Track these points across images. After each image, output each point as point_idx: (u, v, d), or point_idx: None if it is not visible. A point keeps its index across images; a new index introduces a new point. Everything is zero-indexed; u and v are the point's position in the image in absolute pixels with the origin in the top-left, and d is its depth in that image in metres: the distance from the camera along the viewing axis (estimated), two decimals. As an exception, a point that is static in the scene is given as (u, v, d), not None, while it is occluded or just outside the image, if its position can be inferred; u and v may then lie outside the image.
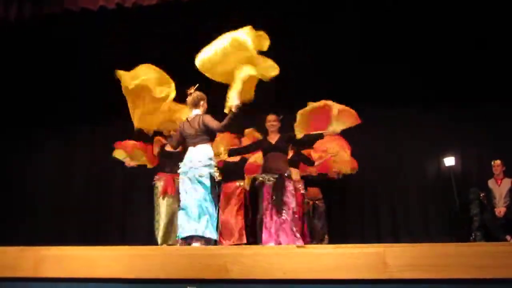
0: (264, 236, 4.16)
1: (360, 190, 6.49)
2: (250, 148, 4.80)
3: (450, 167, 6.18)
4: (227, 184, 5.35)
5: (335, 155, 5.21)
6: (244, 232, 5.19)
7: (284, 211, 4.13)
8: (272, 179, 4.26)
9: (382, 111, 6.20)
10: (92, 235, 6.52)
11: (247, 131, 5.50)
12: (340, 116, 4.32)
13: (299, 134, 4.40)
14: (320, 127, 4.37)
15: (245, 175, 5.44)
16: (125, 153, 5.23)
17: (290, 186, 4.26)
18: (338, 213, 6.27)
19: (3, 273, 3.33)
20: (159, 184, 5.02)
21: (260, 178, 4.39)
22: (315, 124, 4.39)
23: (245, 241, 5.13)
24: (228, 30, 5.74)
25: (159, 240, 4.81)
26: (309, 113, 4.43)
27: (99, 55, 6.23)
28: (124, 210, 6.90)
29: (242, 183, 5.38)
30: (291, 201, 4.20)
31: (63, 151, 7.29)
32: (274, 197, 4.18)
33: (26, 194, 7.14)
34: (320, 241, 5.72)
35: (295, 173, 5.53)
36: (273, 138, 4.45)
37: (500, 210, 5.44)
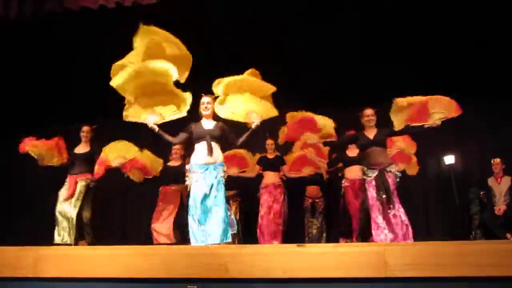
0: (374, 232, 4.10)
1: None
2: (346, 142, 4.76)
3: (450, 165, 6.18)
4: (167, 187, 5.41)
5: (401, 151, 5.15)
6: (172, 232, 5.24)
7: (390, 206, 4.08)
8: (375, 174, 4.21)
9: (382, 110, 6.18)
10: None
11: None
12: (440, 107, 4.19)
13: (399, 126, 4.27)
14: (419, 120, 4.22)
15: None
16: (34, 152, 5.01)
17: (391, 180, 4.19)
18: (337, 212, 6.25)
19: (3, 273, 3.33)
20: (64, 186, 4.96)
21: (364, 174, 4.35)
22: (414, 116, 4.24)
23: (174, 240, 5.18)
24: (228, 30, 5.79)
25: (58, 240, 4.68)
26: (407, 106, 4.28)
27: (99, 55, 6.23)
28: (125, 210, 6.90)
29: (180, 187, 5.35)
30: (395, 196, 4.15)
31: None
32: (380, 192, 4.12)
33: (26, 194, 7.14)
34: (318, 239, 5.73)
35: (274, 175, 5.61)
36: (371, 133, 4.38)
37: (500, 208, 5.44)
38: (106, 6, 4.98)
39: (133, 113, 4.05)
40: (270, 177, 5.62)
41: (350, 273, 2.81)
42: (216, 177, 3.85)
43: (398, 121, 4.27)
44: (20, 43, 6.15)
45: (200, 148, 3.94)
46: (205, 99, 4.08)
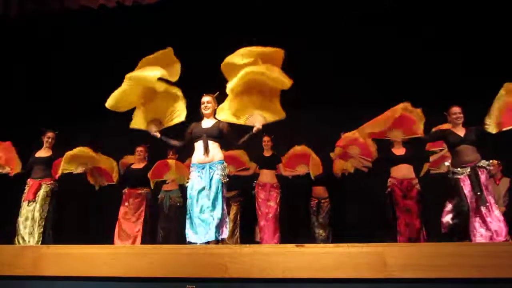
0: (472, 233, 4.09)
1: (364, 189, 6.42)
2: (433, 138, 4.71)
3: (449, 166, 6.17)
4: (131, 190, 5.42)
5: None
6: (140, 235, 5.27)
7: (485, 204, 4.07)
8: (467, 172, 4.21)
9: (383, 111, 6.19)
10: (91, 234, 6.52)
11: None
12: None
13: (492, 129, 4.19)
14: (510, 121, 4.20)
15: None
16: None
17: (483, 178, 4.17)
18: (344, 212, 6.24)
19: (3, 271, 3.33)
20: (26, 189, 5.00)
21: (454, 173, 4.33)
22: (508, 118, 4.18)
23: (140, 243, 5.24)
24: (228, 29, 5.79)
25: (21, 242, 4.75)
26: (503, 107, 4.19)
27: (98, 54, 6.23)
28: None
29: (143, 191, 5.41)
30: (488, 193, 4.14)
31: (63, 150, 7.27)
32: (474, 190, 4.12)
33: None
34: (325, 240, 5.74)
35: (271, 174, 5.57)
36: (460, 131, 4.36)
37: (499, 209, 5.45)
38: (106, 5, 4.98)
39: (138, 122, 4.21)
40: (267, 176, 5.59)
41: (349, 273, 2.82)
42: (212, 175, 3.88)
43: (492, 126, 4.20)
44: (20, 41, 6.15)
45: (198, 147, 3.99)
46: (205, 98, 4.09)
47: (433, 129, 4.77)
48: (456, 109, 4.41)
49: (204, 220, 3.78)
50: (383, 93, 6.18)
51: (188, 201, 3.89)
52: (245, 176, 5.78)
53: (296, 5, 5.65)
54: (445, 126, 4.63)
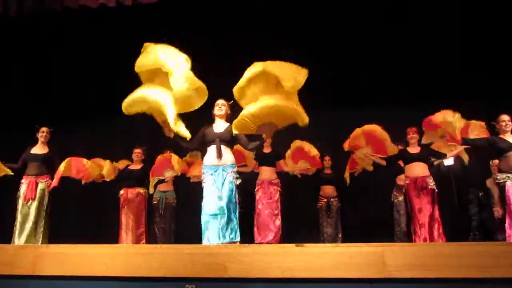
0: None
1: (374, 188, 6.41)
2: (486, 143, 4.71)
3: (449, 166, 6.18)
4: (129, 189, 5.43)
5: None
6: (144, 236, 5.37)
7: None
8: None
9: (383, 112, 6.20)
10: (91, 233, 6.53)
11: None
12: None
13: None
14: None
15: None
16: None
17: None
18: (353, 211, 6.22)
19: (2, 271, 3.33)
20: (23, 187, 4.94)
21: (501, 179, 4.41)
22: None
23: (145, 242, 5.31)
24: (228, 29, 5.79)
25: (16, 241, 4.71)
26: None
27: (98, 53, 6.23)
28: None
29: (143, 191, 5.46)
30: None
31: (62, 149, 7.27)
32: None
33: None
34: (334, 239, 5.73)
35: (270, 171, 5.55)
36: (509, 138, 4.45)
37: (499, 209, 5.44)
38: (106, 5, 4.98)
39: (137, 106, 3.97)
40: (266, 173, 5.55)
41: (349, 273, 2.82)
42: (225, 178, 3.91)
43: None
44: (20, 41, 6.15)
45: (211, 151, 4.01)
46: (220, 101, 4.12)
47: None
48: (504, 117, 4.52)
49: (219, 222, 3.78)
50: (383, 93, 6.21)
51: (204, 203, 3.88)
52: (244, 173, 5.76)
53: (296, 5, 5.65)
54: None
